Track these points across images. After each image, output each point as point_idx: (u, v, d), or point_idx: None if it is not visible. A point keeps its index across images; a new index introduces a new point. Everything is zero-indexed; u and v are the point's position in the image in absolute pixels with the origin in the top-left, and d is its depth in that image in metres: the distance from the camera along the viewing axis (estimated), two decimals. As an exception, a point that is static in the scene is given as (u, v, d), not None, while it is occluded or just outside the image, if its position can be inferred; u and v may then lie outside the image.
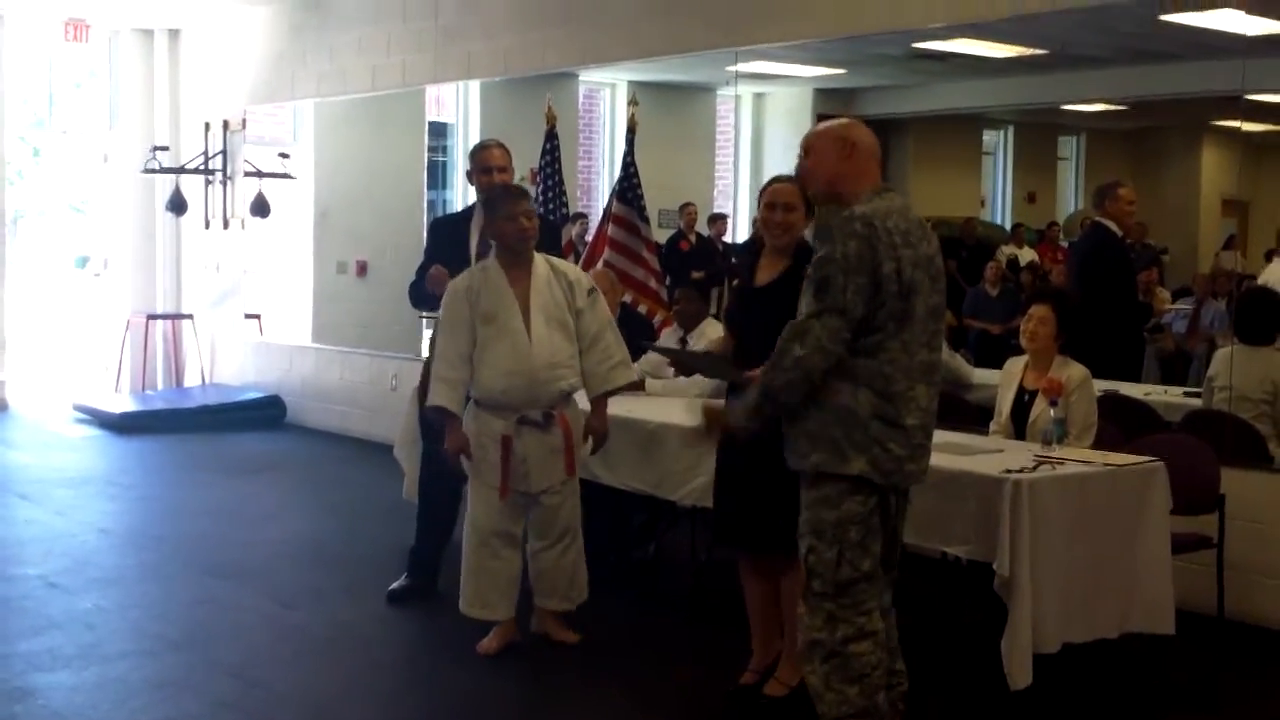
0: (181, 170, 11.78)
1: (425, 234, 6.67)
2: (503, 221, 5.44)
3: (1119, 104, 14.87)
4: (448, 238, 6.31)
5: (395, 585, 6.31)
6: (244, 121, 11.83)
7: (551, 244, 6.15)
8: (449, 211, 11.11)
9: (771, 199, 4.85)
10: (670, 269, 11.84)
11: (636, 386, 6.29)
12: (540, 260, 5.52)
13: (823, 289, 3.88)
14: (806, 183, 4.31)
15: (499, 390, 5.38)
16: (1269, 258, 10.01)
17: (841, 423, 3.94)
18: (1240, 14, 7.03)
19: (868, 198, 4.02)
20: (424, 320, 7.68)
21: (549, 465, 5.48)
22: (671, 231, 13.26)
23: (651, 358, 6.77)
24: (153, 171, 11.92)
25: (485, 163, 6.21)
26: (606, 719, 4.94)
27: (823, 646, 4.01)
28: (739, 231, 13.27)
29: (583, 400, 5.65)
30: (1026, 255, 13.57)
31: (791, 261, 4.77)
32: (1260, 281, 7.40)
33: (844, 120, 4.25)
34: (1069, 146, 17.09)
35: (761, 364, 4.30)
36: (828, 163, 4.12)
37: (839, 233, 3.91)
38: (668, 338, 7.48)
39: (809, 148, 4.20)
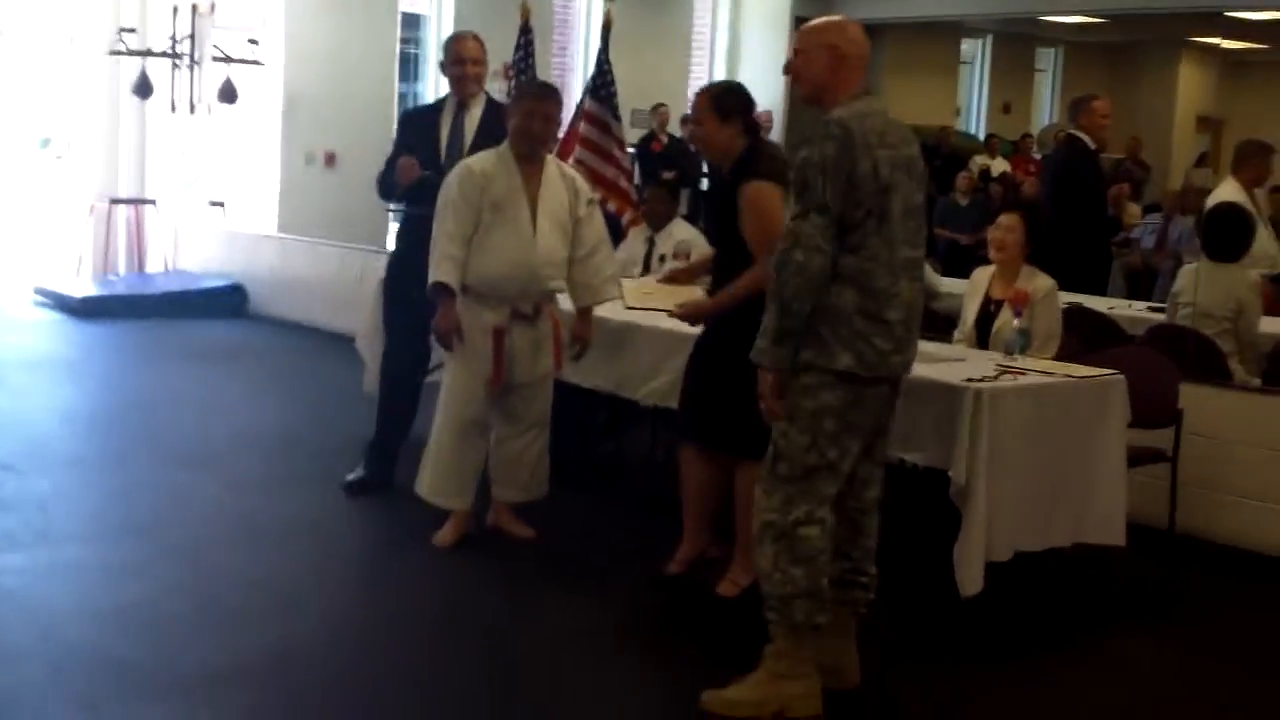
0: (148, 54, 11.57)
1: (395, 126, 6.57)
2: (520, 116, 5.41)
3: (1098, 17, 14.78)
4: (418, 130, 6.23)
5: (351, 476, 6.30)
6: (213, 6, 11.61)
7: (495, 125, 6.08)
8: (420, 104, 10.96)
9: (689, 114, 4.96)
10: (642, 169, 11.80)
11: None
12: (551, 161, 5.54)
13: (803, 190, 3.92)
14: (794, 80, 4.23)
15: (499, 277, 5.38)
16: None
17: (828, 319, 3.95)
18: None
19: (846, 102, 4.03)
20: (391, 213, 7.61)
21: (532, 358, 5.54)
22: (644, 131, 13.17)
23: (620, 257, 6.74)
24: (119, 54, 11.71)
25: (459, 54, 6.11)
26: (562, 612, 4.96)
27: (774, 527, 4.04)
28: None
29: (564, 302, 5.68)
30: (999, 166, 13.55)
31: (730, 171, 4.86)
32: (1212, 200, 7.39)
33: (836, 22, 4.19)
34: (1047, 58, 17.02)
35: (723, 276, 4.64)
36: (815, 70, 4.11)
37: (817, 136, 3.95)
38: (636, 236, 7.45)
39: (801, 48, 4.17)
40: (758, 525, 4.10)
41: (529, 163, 5.43)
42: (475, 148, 5.89)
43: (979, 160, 13.63)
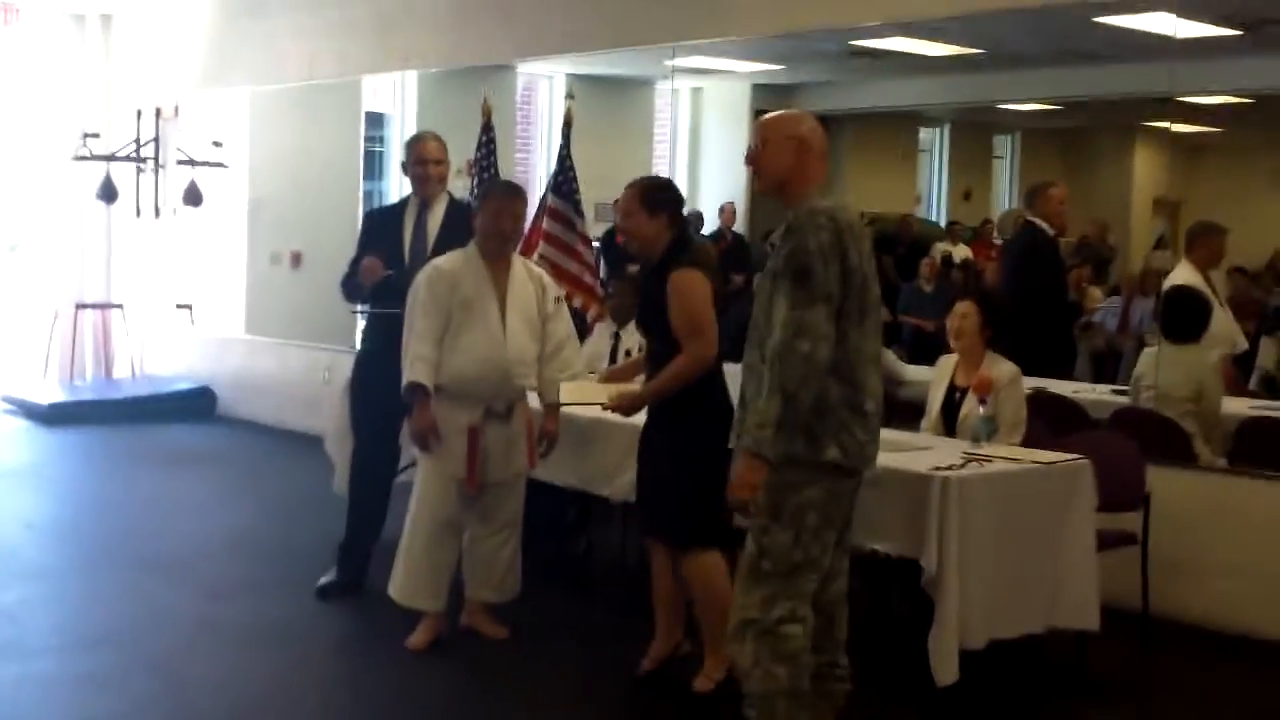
0: (113, 158, 11.63)
1: (359, 226, 6.61)
2: (489, 215, 5.45)
3: (1053, 103, 15.00)
4: (381, 229, 6.28)
5: (324, 580, 6.26)
6: (177, 109, 11.69)
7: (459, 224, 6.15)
8: (385, 203, 11.02)
9: (618, 208, 5.15)
10: (608, 262, 11.84)
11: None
12: (517, 260, 5.59)
13: (804, 280, 3.90)
14: (756, 171, 4.23)
15: (472, 377, 5.39)
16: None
17: (815, 410, 3.95)
18: (1171, 16, 7.10)
19: (817, 195, 4.09)
20: (357, 314, 7.63)
21: (506, 456, 5.55)
22: (607, 225, 13.25)
23: (586, 352, 6.77)
24: (83, 159, 11.75)
25: (420, 155, 6.19)
26: (538, 713, 4.93)
27: (756, 625, 4.02)
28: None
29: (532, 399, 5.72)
30: (961, 253, 13.66)
31: (657, 262, 4.97)
32: (1168, 284, 7.49)
33: (797, 114, 4.23)
34: (1004, 145, 17.22)
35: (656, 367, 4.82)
36: (779, 162, 4.14)
37: (809, 225, 3.95)
38: (601, 331, 7.49)
39: (764, 140, 4.18)
40: (737, 622, 4.08)
41: (496, 261, 5.47)
42: (439, 247, 5.94)
43: (941, 247, 13.76)
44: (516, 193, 5.67)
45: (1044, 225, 7.80)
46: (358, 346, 6.73)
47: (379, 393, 6.03)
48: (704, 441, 4.77)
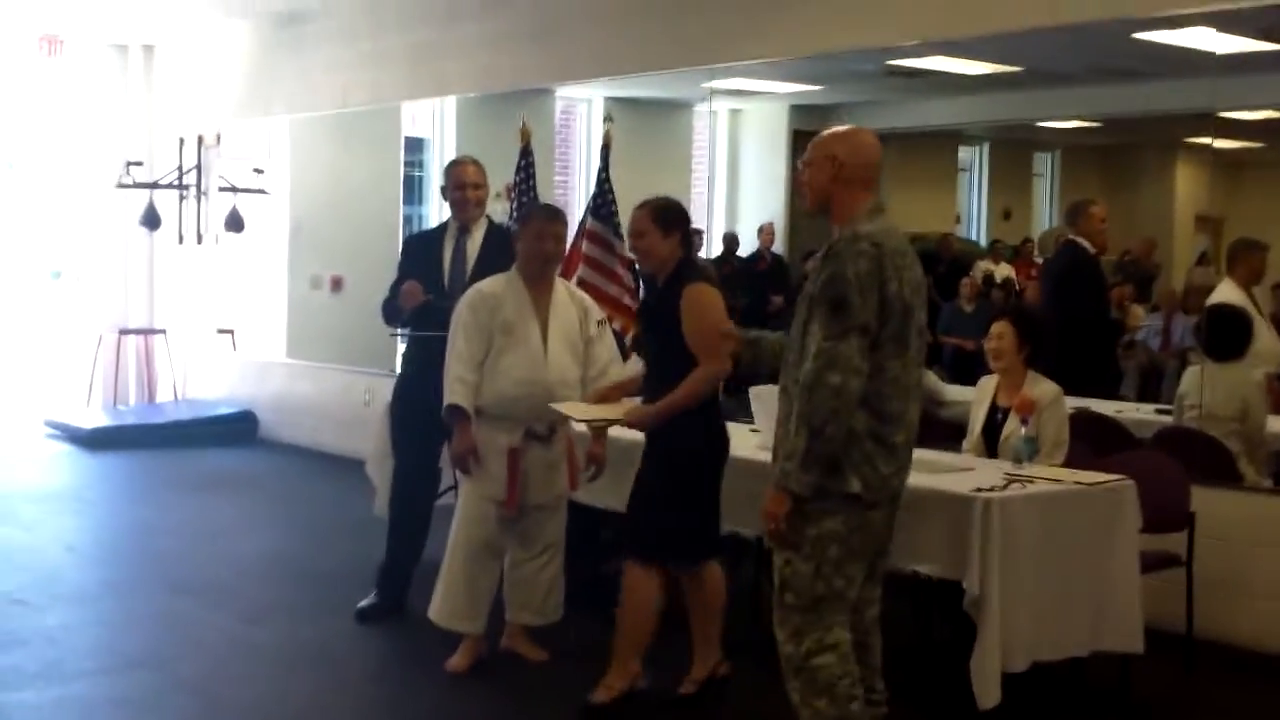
0: (155, 185, 11.72)
1: (400, 250, 6.64)
2: (530, 238, 5.47)
3: (1093, 121, 14.93)
4: (421, 254, 6.30)
5: (364, 603, 6.26)
6: (218, 137, 11.78)
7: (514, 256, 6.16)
8: (424, 227, 11.06)
9: (629, 228, 5.19)
10: (645, 286, 11.85)
11: None
12: (559, 283, 5.60)
13: (839, 309, 3.84)
14: (802, 190, 4.20)
15: (512, 399, 5.38)
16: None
17: (840, 442, 3.89)
18: (1211, 32, 7.05)
19: (865, 219, 3.99)
20: (397, 337, 7.65)
21: (546, 479, 5.55)
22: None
23: (627, 373, 6.75)
24: (126, 187, 11.85)
25: (459, 179, 6.20)
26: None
27: (791, 661, 4.04)
28: (713, 247, 13.28)
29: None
30: (1002, 272, 13.60)
31: (666, 280, 5.01)
32: (1210, 301, 7.42)
33: (843, 132, 4.14)
34: (1044, 163, 17.14)
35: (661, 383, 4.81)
36: (819, 181, 4.09)
37: (848, 253, 3.88)
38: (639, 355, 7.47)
39: (808, 161, 4.13)
40: (782, 658, 4.10)
41: (538, 284, 5.48)
42: (478, 271, 5.95)
43: (982, 266, 13.70)
44: (557, 215, 5.68)
45: (1085, 243, 7.74)
46: (398, 370, 6.74)
47: (419, 416, 6.04)
48: (686, 455, 4.94)
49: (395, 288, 6.19)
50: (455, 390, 5.37)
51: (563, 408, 5.30)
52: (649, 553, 5.02)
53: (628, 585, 5.04)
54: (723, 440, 5.04)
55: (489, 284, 5.51)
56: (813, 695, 3.99)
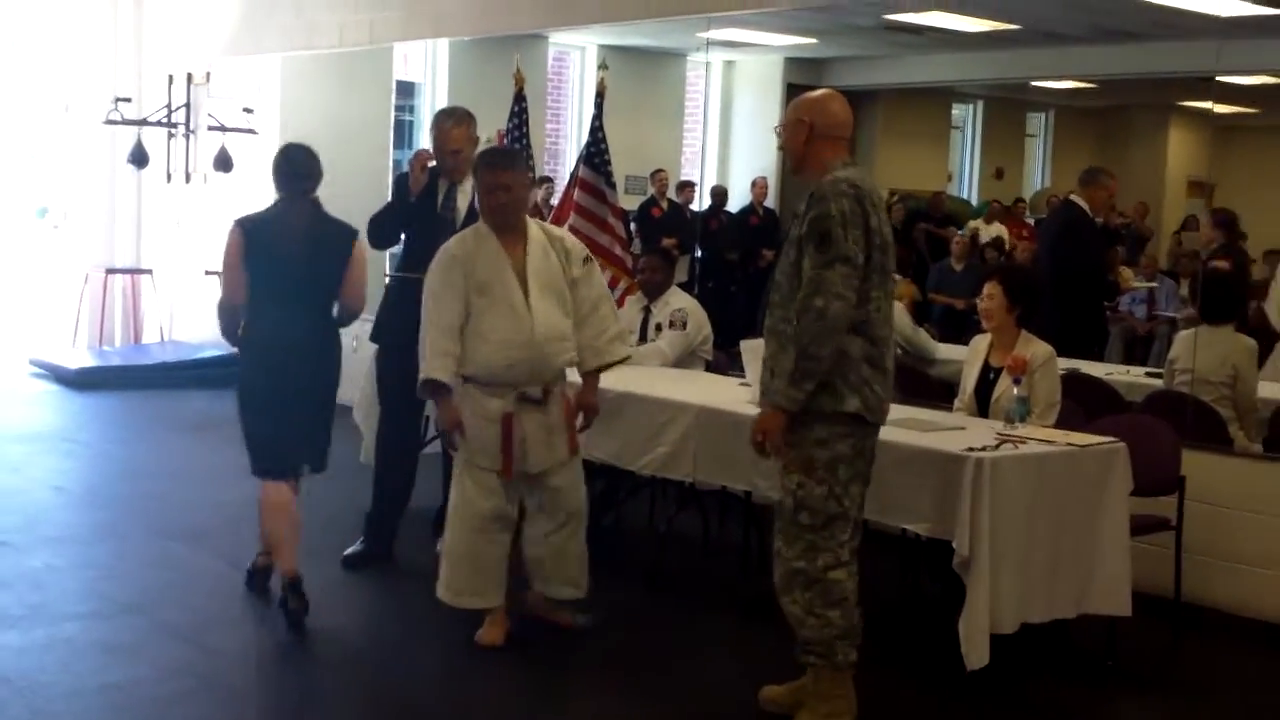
0: (144, 123, 11.61)
1: (390, 190, 6.54)
2: (480, 193, 5.17)
3: (1088, 82, 14.89)
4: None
5: (350, 550, 6.25)
6: (208, 75, 11.66)
7: None
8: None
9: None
10: (643, 236, 11.81)
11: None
12: (534, 227, 5.18)
13: (825, 242, 4.14)
14: (782, 150, 4.54)
15: (502, 366, 5.03)
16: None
17: (837, 365, 4.19)
18: (1215, -8, 7.01)
19: (839, 168, 4.30)
20: (386, 279, 7.61)
21: (547, 443, 5.16)
22: (641, 198, 13.22)
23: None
24: (114, 123, 11.74)
25: (440, 143, 6.10)
26: (575, 685, 4.91)
27: (804, 575, 4.27)
28: (703, 198, 13.25)
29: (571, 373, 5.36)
30: (992, 231, 13.58)
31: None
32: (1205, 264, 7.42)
33: (815, 98, 4.49)
34: (1037, 123, 17.11)
35: None
36: (793, 144, 4.44)
37: (832, 193, 4.19)
38: (632, 305, 7.44)
39: (785, 122, 4.49)
40: (783, 573, 4.33)
41: (510, 234, 5.10)
42: (467, 223, 5.89)
43: (973, 224, 13.68)
44: (500, 161, 5.26)
45: (1084, 205, 7.72)
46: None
47: (399, 363, 6.02)
48: None
49: (387, 211, 6.18)
50: (434, 365, 5.02)
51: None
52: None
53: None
54: None
55: (456, 243, 5.17)
56: (824, 607, 4.26)
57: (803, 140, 4.38)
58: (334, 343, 5.59)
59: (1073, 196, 7.89)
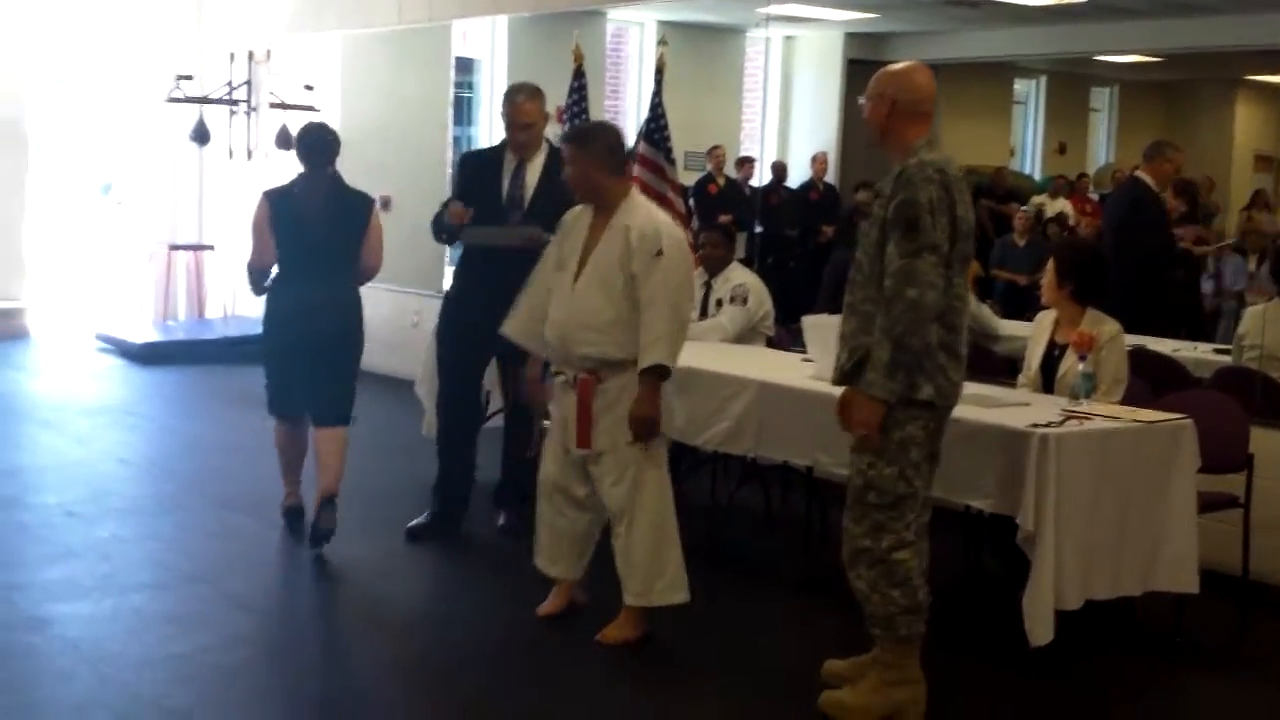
0: (205, 100, 11.69)
1: (451, 169, 6.57)
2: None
3: (1153, 55, 14.69)
4: (477, 175, 6.20)
5: (415, 522, 6.26)
6: (269, 52, 11.73)
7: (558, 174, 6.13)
8: (473, 148, 10.98)
9: None
10: (699, 212, 11.78)
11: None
12: (625, 212, 4.91)
13: (913, 230, 4.11)
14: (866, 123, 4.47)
15: (548, 339, 5.03)
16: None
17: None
18: (1285, -37, 6.89)
19: (924, 148, 4.26)
20: (446, 257, 7.63)
21: (573, 432, 5.00)
22: (698, 174, 13.18)
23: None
24: (177, 101, 11.83)
25: (512, 118, 6.07)
26: (634, 658, 4.91)
27: (869, 554, 4.28)
28: (763, 174, 13.18)
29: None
30: (1056, 206, 13.44)
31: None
32: None
33: (897, 71, 4.42)
34: (1101, 98, 16.91)
35: None
36: (876, 117, 4.38)
37: (919, 178, 4.16)
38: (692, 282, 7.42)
39: (868, 95, 4.42)
40: (850, 550, 4.34)
41: (602, 214, 4.95)
42: (537, 195, 5.92)
43: (1036, 200, 13.54)
44: (566, 137, 5.33)
45: (1149, 180, 7.63)
46: (444, 289, 6.65)
47: (462, 336, 6.03)
48: None
49: (448, 204, 6.17)
50: (508, 319, 5.12)
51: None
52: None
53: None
54: None
55: (571, 212, 5.13)
56: (888, 585, 4.27)
57: (884, 115, 4.34)
58: (352, 302, 6.16)
59: (1137, 172, 7.79)
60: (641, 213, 4.95)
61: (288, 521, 6.31)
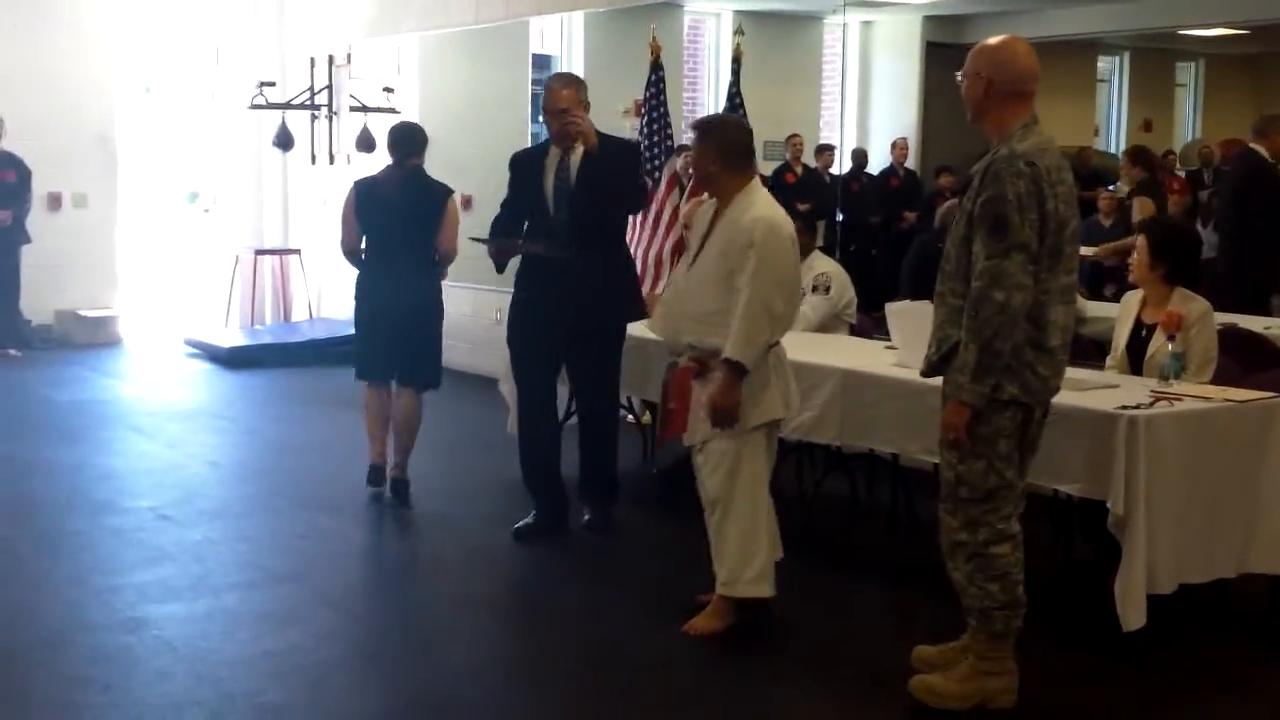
0: (288, 106, 11.81)
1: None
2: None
3: (1240, 28, 14.42)
4: (524, 174, 6.15)
5: (521, 523, 6.17)
6: (349, 56, 11.83)
7: (629, 165, 6.19)
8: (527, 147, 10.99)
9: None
10: (778, 201, 11.73)
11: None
12: (738, 205, 4.90)
13: (1000, 228, 4.00)
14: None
15: (660, 326, 5.12)
16: None
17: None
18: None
19: (1020, 134, 4.12)
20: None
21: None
22: (777, 163, 13.12)
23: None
24: (259, 108, 11.97)
25: (548, 104, 6.01)
26: (722, 647, 4.91)
27: (966, 547, 4.23)
28: (843, 162, 13.10)
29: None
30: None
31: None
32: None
33: (992, 46, 4.24)
34: (1187, 73, 16.62)
35: None
36: (973, 96, 4.24)
37: (1007, 173, 4.03)
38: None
39: (964, 73, 4.26)
40: (949, 544, 4.28)
41: (722, 205, 4.97)
42: (581, 188, 5.90)
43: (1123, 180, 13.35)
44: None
45: (1264, 152, 7.50)
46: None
47: (532, 338, 6.03)
48: None
49: (504, 207, 6.18)
50: (653, 317, 5.26)
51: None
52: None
53: None
54: None
55: (702, 201, 5.18)
56: (986, 579, 4.22)
57: (981, 94, 4.18)
58: (430, 281, 6.82)
59: (1252, 145, 7.65)
60: (751, 206, 4.91)
61: (370, 477, 6.78)
